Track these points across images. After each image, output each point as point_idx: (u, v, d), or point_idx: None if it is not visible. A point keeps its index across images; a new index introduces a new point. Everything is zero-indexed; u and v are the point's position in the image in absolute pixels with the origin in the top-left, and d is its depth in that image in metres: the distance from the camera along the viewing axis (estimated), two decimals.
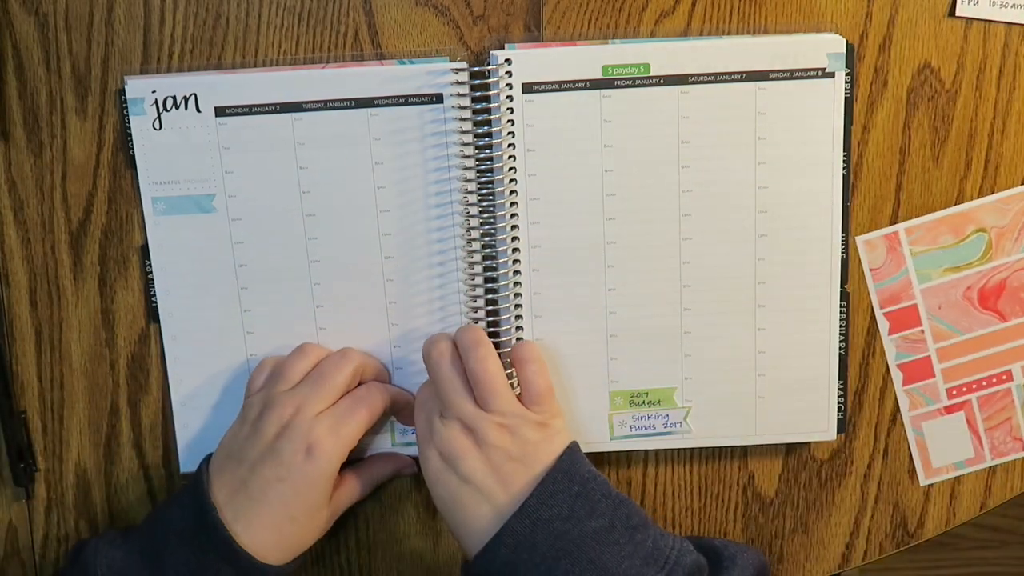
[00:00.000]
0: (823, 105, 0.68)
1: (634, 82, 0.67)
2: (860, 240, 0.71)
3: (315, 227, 0.69)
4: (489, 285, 0.69)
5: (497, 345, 0.67)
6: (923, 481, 0.75)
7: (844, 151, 0.69)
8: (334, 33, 0.68)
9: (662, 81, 0.67)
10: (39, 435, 0.72)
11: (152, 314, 0.70)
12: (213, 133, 0.67)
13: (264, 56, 0.68)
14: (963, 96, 0.70)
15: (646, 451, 0.73)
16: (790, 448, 0.74)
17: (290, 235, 0.69)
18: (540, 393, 0.65)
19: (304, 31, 0.68)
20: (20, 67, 0.68)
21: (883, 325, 0.72)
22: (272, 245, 0.69)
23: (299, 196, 0.68)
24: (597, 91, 0.67)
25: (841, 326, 0.71)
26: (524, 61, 0.66)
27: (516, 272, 0.69)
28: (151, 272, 0.69)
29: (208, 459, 0.67)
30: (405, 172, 0.68)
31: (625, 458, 0.74)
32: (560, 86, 0.67)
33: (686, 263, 0.69)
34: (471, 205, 0.68)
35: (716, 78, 0.67)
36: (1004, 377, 0.73)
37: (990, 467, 0.74)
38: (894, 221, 0.72)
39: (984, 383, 0.73)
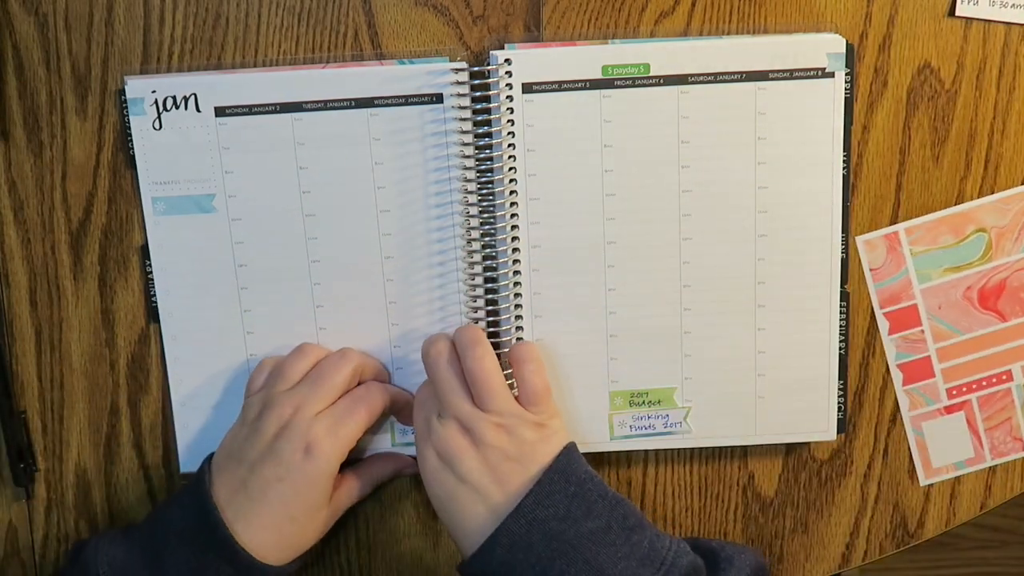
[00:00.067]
0: (823, 105, 0.68)
1: (634, 82, 0.67)
2: (860, 240, 0.71)
3: (315, 227, 0.69)
4: (489, 285, 0.69)
5: (497, 345, 0.67)
6: (923, 481, 0.75)
7: (844, 151, 0.69)
8: (334, 33, 0.68)
9: (662, 81, 0.67)
10: (39, 435, 0.72)
11: (152, 314, 0.70)
12: (213, 133, 0.67)
13: (264, 56, 0.68)
14: (963, 96, 0.70)
15: (646, 451, 0.73)
16: (790, 448, 0.74)
17: (290, 235, 0.69)
18: (537, 393, 0.65)
19: (304, 31, 0.68)
20: (20, 67, 0.68)
21: (883, 325, 0.72)
22: (272, 245, 0.69)
23: (299, 196, 0.68)
24: (597, 91, 0.67)
25: (841, 326, 0.71)
26: (524, 61, 0.66)
27: (516, 272, 0.69)
28: (151, 272, 0.69)
29: (210, 459, 0.67)
30: (405, 172, 0.68)
31: (625, 458, 0.73)
32: (560, 86, 0.67)
33: (686, 263, 0.69)
34: (471, 205, 0.68)
35: (716, 78, 0.67)
36: (1004, 377, 0.73)
37: (990, 467, 0.74)
38: (894, 221, 0.71)
39: (984, 383, 0.73)
